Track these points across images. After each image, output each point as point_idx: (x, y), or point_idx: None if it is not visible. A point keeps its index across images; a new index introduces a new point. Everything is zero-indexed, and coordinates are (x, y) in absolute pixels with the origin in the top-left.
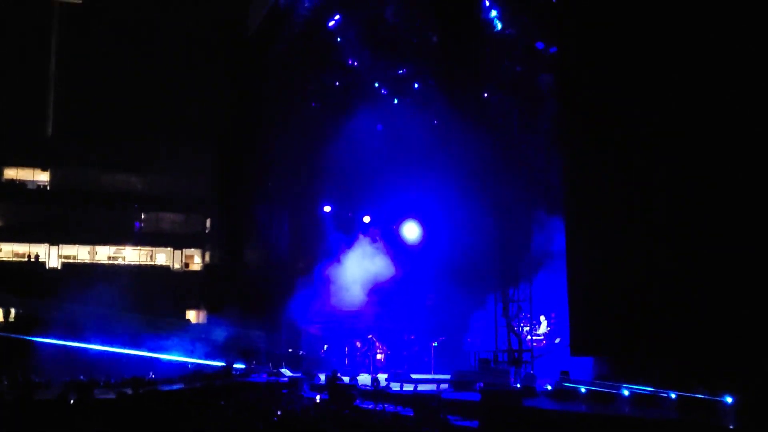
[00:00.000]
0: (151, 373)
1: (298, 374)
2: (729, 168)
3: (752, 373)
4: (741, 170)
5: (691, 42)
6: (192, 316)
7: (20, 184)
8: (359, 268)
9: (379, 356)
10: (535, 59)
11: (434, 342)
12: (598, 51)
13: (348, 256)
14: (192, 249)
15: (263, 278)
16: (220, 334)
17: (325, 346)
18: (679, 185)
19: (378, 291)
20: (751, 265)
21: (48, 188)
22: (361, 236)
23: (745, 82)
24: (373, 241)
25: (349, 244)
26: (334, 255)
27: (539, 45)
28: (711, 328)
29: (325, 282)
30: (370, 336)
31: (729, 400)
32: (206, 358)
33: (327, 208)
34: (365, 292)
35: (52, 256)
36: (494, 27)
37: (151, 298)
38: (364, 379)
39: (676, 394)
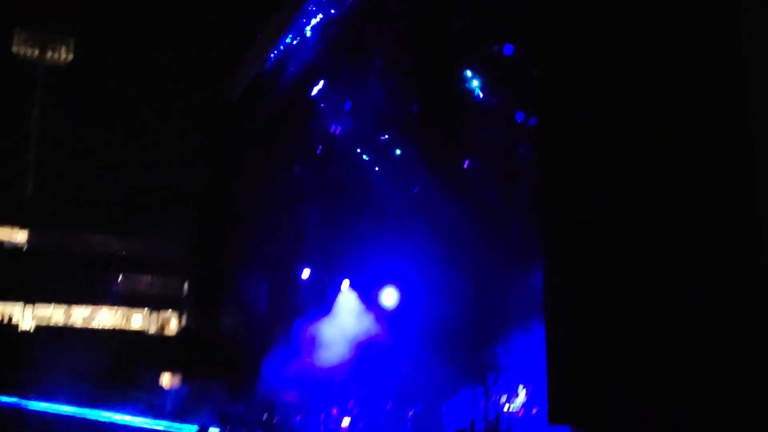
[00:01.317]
0: None
1: None
2: (713, 231)
3: None
4: (729, 235)
5: (671, 111)
6: (166, 380)
7: None
8: (345, 324)
9: (344, 424)
10: (514, 130)
11: (410, 411)
12: (579, 123)
13: (333, 311)
14: (169, 311)
15: (240, 343)
16: (194, 398)
17: (299, 417)
18: (660, 254)
19: (361, 350)
20: (741, 338)
21: (25, 248)
22: (344, 291)
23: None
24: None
25: (327, 309)
26: (314, 317)
27: (519, 116)
28: (692, 402)
29: (307, 341)
30: (350, 402)
31: None
32: (180, 423)
33: (306, 273)
34: (350, 348)
35: (26, 317)
36: (476, 96)
37: (126, 362)
38: None
39: None
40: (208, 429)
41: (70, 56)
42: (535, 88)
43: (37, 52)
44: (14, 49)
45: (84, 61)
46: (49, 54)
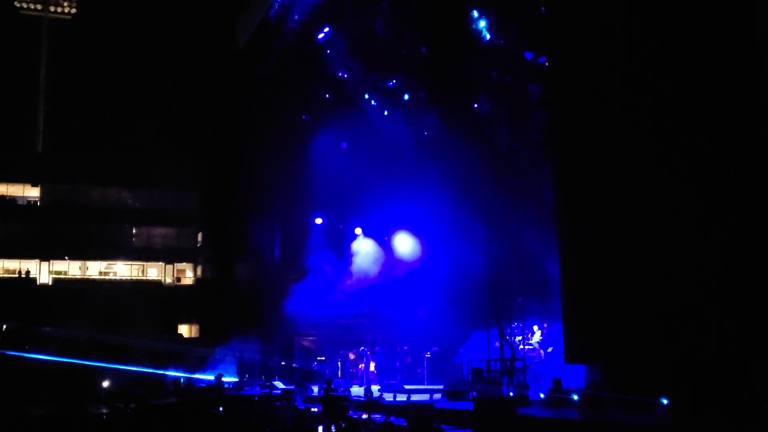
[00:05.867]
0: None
1: (291, 386)
2: (721, 171)
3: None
4: (737, 169)
5: (681, 50)
6: (184, 330)
7: (10, 200)
8: (360, 269)
9: (371, 368)
10: (524, 69)
11: (427, 353)
12: (587, 60)
13: (348, 257)
14: (184, 263)
15: (255, 291)
16: (212, 347)
17: (322, 358)
18: (669, 191)
19: (377, 294)
20: (744, 274)
21: (38, 204)
22: (358, 237)
23: (740, 82)
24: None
25: (341, 255)
26: (328, 263)
27: (528, 55)
28: (703, 337)
29: (323, 287)
30: (362, 348)
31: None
32: (198, 372)
33: (318, 220)
34: (366, 292)
35: (42, 272)
36: (483, 37)
37: (143, 313)
38: (357, 390)
39: (667, 400)
40: (226, 377)
41: (74, 9)
42: (544, 25)
43: (40, 5)
44: (16, 2)
45: (88, 13)
46: (52, 7)
